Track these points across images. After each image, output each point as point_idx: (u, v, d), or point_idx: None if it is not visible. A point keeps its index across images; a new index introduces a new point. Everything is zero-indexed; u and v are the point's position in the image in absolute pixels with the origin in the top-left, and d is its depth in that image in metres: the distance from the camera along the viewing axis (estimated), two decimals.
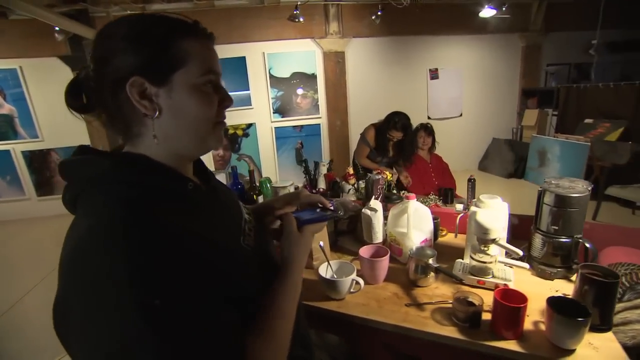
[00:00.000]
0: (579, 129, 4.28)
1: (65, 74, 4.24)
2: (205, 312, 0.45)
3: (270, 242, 0.74)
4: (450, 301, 0.98)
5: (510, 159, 4.99)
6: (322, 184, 2.07)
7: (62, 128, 4.42)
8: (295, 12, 3.81)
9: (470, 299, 0.93)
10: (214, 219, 0.58)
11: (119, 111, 0.52)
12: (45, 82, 4.27)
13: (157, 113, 0.51)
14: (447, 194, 2.10)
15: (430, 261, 1.05)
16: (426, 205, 1.30)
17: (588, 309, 0.76)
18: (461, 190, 2.31)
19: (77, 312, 0.42)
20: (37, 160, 4.50)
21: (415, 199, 1.21)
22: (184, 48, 0.51)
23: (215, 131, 0.56)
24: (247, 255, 0.60)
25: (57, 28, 3.57)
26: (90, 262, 0.42)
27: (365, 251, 1.12)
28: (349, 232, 1.43)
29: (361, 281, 1.03)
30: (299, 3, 3.89)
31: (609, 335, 0.83)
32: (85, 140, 4.49)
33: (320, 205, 0.77)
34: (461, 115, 5.27)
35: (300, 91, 4.75)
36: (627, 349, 0.80)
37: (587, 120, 4.26)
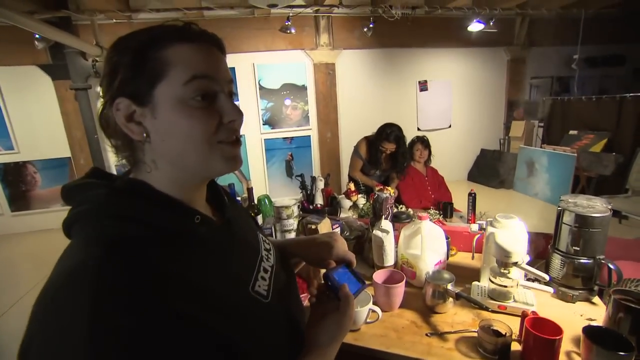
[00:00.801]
0: (565, 140, 4.39)
1: (44, 84, 4.07)
2: None
3: (292, 286, 0.66)
4: (473, 329, 0.92)
5: (498, 170, 5.06)
6: (319, 200, 2.00)
7: (40, 139, 4.22)
8: (286, 24, 3.80)
9: (495, 328, 0.87)
10: (221, 261, 0.49)
11: (118, 137, 0.47)
12: (23, 91, 4.07)
13: (146, 136, 0.45)
14: (447, 208, 2.07)
15: (449, 286, 0.99)
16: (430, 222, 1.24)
17: (631, 343, 0.72)
18: (456, 201, 2.29)
19: None
20: (11, 173, 4.26)
21: (429, 219, 1.16)
22: (164, 57, 0.44)
23: (220, 151, 0.47)
24: (256, 308, 0.49)
25: (37, 36, 3.41)
26: (54, 316, 0.36)
27: (379, 276, 1.05)
28: (356, 254, 1.36)
29: (378, 310, 0.96)
30: (290, 15, 3.88)
31: None
32: (66, 153, 4.30)
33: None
34: (450, 126, 5.34)
35: (290, 102, 4.71)
36: None
37: (572, 132, 4.38)
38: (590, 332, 0.75)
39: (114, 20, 3.87)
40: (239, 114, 0.48)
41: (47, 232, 4.33)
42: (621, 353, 0.69)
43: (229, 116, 0.47)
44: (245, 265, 0.54)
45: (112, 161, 4.25)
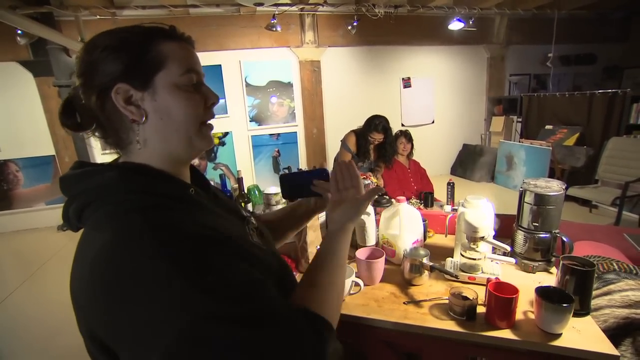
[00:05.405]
0: (541, 134, 4.60)
1: (26, 80, 4.00)
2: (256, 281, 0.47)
3: (274, 246, 0.76)
4: (446, 297, 1.03)
5: (480, 164, 5.26)
6: None
7: (22, 137, 4.15)
8: (272, 22, 3.86)
9: (464, 294, 0.98)
10: (220, 219, 0.59)
11: (108, 122, 0.53)
12: (4, 88, 4.00)
13: (144, 118, 0.52)
14: (428, 198, 2.19)
15: (425, 260, 1.10)
16: None
17: (571, 296, 0.84)
18: (438, 193, 2.41)
19: (124, 316, 0.41)
20: None
21: (406, 202, 1.26)
22: (162, 51, 0.52)
23: (202, 131, 0.57)
24: (258, 249, 0.60)
25: (19, 31, 3.37)
26: (125, 266, 0.42)
27: (361, 253, 1.15)
28: None
29: (360, 282, 1.06)
30: (275, 13, 3.94)
31: (589, 319, 0.91)
32: (49, 151, 4.24)
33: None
34: (433, 122, 5.51)
35: (276, 99, 4.77)
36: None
37: (548, 126, 4.60)
38: (541, 291, 0.87)
39: (98, 17, 3.85)
40: (217, 96, 0.60)
41: (30, 232, 4.28)
42: (564, 305, 0.81)
43: (212, 98, 0.58)
44: (238, 224, 0.64)
45: (98, 158, 4.23)
